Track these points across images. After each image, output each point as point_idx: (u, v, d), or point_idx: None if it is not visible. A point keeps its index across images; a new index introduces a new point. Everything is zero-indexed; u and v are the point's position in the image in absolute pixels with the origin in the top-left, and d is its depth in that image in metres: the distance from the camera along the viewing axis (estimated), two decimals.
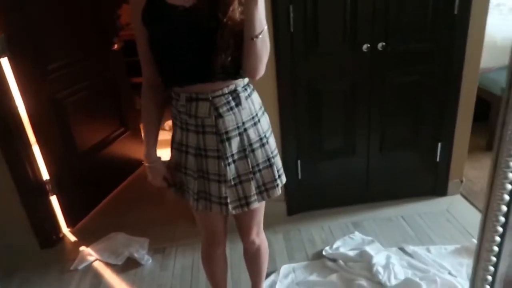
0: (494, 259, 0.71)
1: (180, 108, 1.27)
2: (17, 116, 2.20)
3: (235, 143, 1.27)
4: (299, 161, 2.33)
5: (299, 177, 2.36)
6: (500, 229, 0.68)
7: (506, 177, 0.64)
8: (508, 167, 0.63)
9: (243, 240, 1.56)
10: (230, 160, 1.28)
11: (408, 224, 2.29)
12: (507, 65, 2.63)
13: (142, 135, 1.36)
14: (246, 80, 1.29)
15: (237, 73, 1.22)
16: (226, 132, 1.25)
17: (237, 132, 1.27)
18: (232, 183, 1.30)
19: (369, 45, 2.11)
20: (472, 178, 2.62)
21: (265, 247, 1.63)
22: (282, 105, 2.19)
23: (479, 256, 0.73)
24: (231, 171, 1.29)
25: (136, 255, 2.25)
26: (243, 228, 1.51)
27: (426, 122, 2.32)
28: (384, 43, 2.11)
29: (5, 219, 2.33)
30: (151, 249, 2.31)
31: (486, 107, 2.91)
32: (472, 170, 2.69)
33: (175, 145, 1.35)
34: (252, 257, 1.64)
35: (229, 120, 1.25)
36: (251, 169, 1.30)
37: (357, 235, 2.21)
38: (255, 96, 1.33)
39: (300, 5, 2.00)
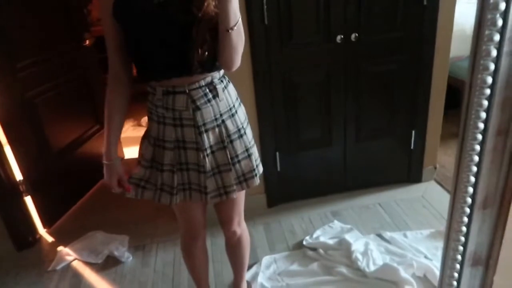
0: (462, 239, 0.74)
1: (156, 102, 1.25)
2: None
3: (213, 135, 1.28)
4: (277, 153, 2.35)
5: (278, 169, 2.38)
6: (468, 210, 0.71)
7: (472, 160, 0.67)
8: (473, 149, 0.66)
9: (224, 230, 1.57)
10: (208, 151, 1.28)
11: (385, 211, 2.34)
12: None
13: (104, 130, 1.33)
14: (222, 71, 1.29)
15: (214, 66, 1.21)
16: (204, 124, 1.25)
17: (215, 124, 1.27)
18: (211, 173, 1.31)
19: (342, 36, 2.13)
20: (446, 164, 2.70)
21: (247, 236, 1.65)
22: (258, 97, 2.20)
23: (449, 236, 0.76)
24: (210, 162, 1.29)
25: (116, 253, 2.22)
26: (224, 219, 1.52)
27: (400, 110, 2.37)
28: (357, 34, 2.14)
29: None
30: (131, 247, 2.30)
31: (458, 95, 2.99)
32: (446, 157, 2.77)
33: (151, 140, 1.33)
34: (233, 248, 1.65)
35: (207, 112, 1.24)
36: (230, 160, 1.31)
37: (336, 224, 2.25)
38: (231, 88, 1.33)
39: None
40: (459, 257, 0.76)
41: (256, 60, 2.10)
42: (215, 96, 1.25)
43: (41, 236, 2.48)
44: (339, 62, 2.20)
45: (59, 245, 2.36)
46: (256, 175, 1.37)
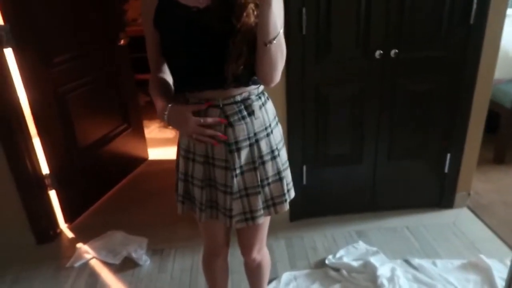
0: None
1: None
2: (19, 108, 2.15)
3: (244, 154, 1.20)
4: (304, 166, 2.29)
5: (304, 182, 2.32)
6: None
7: None
8: None
9: (243, 255, 1.50)
10: (238, 171, 1.21)
11: (413, 236, 2.24)
12: None
13: (155, 100, 1.21)
14: (261, 87, 1.23)
15: (250, 81, 1.16)
16: (236, 143, 1.18)
17: (248, 143, 1.20)
18: (238, 195, 1.23)
19: (381, 52, 2.06)
20: (480, 191, 2.58)
21: (267, 261, 1.57)
22: (289, 108, 2.15)
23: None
24: (238, 183, 1.22)
25: (134, 255, 2.20)
26: (244, 244, 1.45)
27: (436, 132, 2.27)
28: (397, 50, 2.06)
29: (2, 212, 2.28)
30: (149, 250, 2.27)
31: (495, 119, 2.86)
32: (479, 183, 2.64)
33: (182, 152, 1.28)
34: (252, 271, 1.58)
35: (240, 130, 1.17)
36: (259, 183, 1.23)
37: (361, 245, 2.16)
38: (270, 105, 1.26)
39: (313, 8, 1.96)
40: None
41: (291, 71, 2.05)
42: (251, 114, 1.18)
43: (61, 231, 2.48)
44: (375, 77, 2.13)
45: (78, 242, 2.35)
46: (286, 200, 1.29)
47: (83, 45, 2.49)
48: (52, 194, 2.43)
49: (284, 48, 1.08)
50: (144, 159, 3.22)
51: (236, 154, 1.19)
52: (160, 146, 3.43)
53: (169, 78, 1.24)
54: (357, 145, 2.27)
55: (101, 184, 2.79)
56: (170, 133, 3.65)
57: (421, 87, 2.17)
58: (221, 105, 1.16)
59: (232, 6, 1.05)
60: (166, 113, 1.15)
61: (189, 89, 1.19)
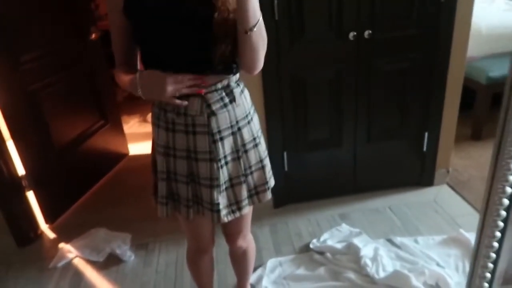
0: (493, 255, 0.67)
1: (166, 105, 1.16)
2: None
3: (228, 143, 1.18)
4: (285, 153, 2.28)
5: (286, 169, 2.32)
6: (501, 224, 0.64)
7: (509, 168, 0.60)
8: (511, 157, 0.59)
9: (229, 243, 1.49)
10: (222, 162, 1.18)
11: (395, 215, 2.27)
12: (492, 54, 2.61)
13: (125, 85, 1.15)
14: (238, 75, 1.21)
15: (234, 64, 1.14)
16: (219, 132, 1.15)
17: (230, 131, 1.17)
18: (224, 187, 1.21)
19: (355, 33, 2.05)
20: (458, 168, 2.62)
21: (252, 248, 1.57)
22: (266, 95, 2.13)
23: (478, 252, 0.69)
24: (223, 174, 1.19)
25: (118, 251, 2.17)
26: (229, 233, 1.44)
27: (413, 111, 2.29)
28: (370, 31, 2.06)
29: None
30: (133, 245, 2.24)
31: (470, 96, 2.90)
32: (458, 160, 2.68)
33: (160, 148, 1.21)
34: (238, 259, 1.58)
35: (223, 118, 1.15)
36: (243, 172, 1.22)
37: (345, 227, 2.18)
38: (247, 93, 1.25)
39: None
40: (488, 275, 0.69)
41: (265, 56, 2.02)
42: (232, 100, 1.16)
43: (42, 232, 2.44)
44: (351, 60, 2.13)
45: (60, 242, 2.31)
46: (268, 188, 1.29)
47: (52, 42, 2.42)
48: (31, 195, 2.38)
49: (265, 35, 1.06)
50: (124, 155, 3.18)
51: (220, 144, 1.16)
52: (140, 140, 3.39)
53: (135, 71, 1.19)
54: (336, 128, 2.28)
55: (82, 182, 2.74)
56: (150, 127, 3.60)
57: (396, 67, 2.18)
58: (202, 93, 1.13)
59: None
60: (137, 78, 1.08)
61: None
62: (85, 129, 2.75)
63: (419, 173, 2.46)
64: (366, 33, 2.06)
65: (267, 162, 1.29)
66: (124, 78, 1.15)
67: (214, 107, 1.14)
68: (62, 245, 2.28)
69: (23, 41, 2.23)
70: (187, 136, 1.16)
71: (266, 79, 2.09)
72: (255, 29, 1.00)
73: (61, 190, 2.55)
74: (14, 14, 2.16)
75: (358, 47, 2.09)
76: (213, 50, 1.05)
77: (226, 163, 1.19)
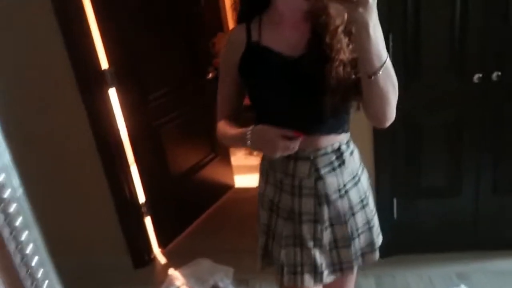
0: None
1: (276, 165, 1.15)
2: (120, 143, 2.36)
3: (334, 207, 1.13)
4: (394, 199, 2.14)
5: (395, 216, 2.17)
6: None
7: None
8: None
9: None
10: (327, 223, 1.14)
11: None
12: None
13: (232, 137, 1.16)
14: (349, 134, 1.17)
15: (345, 121, 1.11)
16: (326, 195, 1.12)
17: (338, 195, 1.13)
18: (327, 248, 1.17)
19: (481, 75, 1.87)
20: None
21: None
22: (376, 136, 2.04)
23: None
24: (327, 236, 1.15)
25: (220, 284, 2.24)
26: None
27: None
28: (499, 73, 1.86)
29: (104, 237, 2.49)
30: (235, 279, 2.29)
31: None
32: None
33: (267, 203, 1.20)
34: None
35: (331, 183, 1.11)
36: (350, 235, 1.16)
37: None
38: (357, 152, 1.19)
39: (400, 32, 1.86)
40: None
41: None
42: (341, 164, 1.12)
43: (155, 256, 2.63)
44: (474, 104, 1.94)
45: (170, 267, 2.46)
46: (376, 249, 1.21)
47: (175, 81, 2.67)
48: (147, 221, 2.60)
49: (394, 77, 0.94)
50: (230, 187, 3.31)
51: (325, 206, 1.12)
52: (246, 173, 3.50)
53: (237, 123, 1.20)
54: (455, 176, 2.07)
55: (191, 211, 2.92)
56: (255, 159, 3.71)
57: None
58: (311, 158, 1.10)
59: (325, 42, 0.99)
60: (249, 133, 1.06)
61: None
62: (198, 161, 2.94)
63: None
64: (495, 75, 1.86)
65: (375, 221, 1.22)
66: (230, 131, 1.15)
67: (322, 172, 1.11)
68: (171, 271, 2.43)
69: (151, 80, 2.50)
70: (292, 198, 1.14)
71: None
72: (380, 72, 0.88)
73: (174, 218, 2.74)
74: (146, 57, 2.43)
75: (484, 90, 1.90)
76: (324, 101, 1.01)
77: (332, 225, 1.15)
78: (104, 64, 2.22)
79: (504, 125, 1.96)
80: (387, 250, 2.20)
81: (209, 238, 2.73)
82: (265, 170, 1.21)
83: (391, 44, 1.86)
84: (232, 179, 3.34)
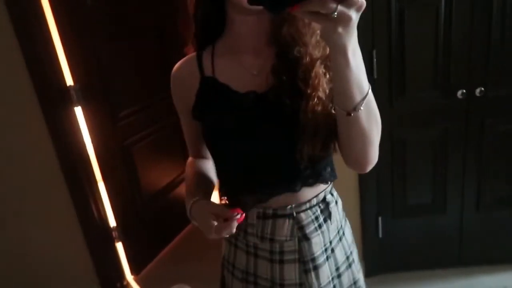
0: None
1: (247, 227, 0.92)
2: (88, 163, 2.18)
3: (323, 272, 0.93)
4: (380, 218, 2.09)
5: (380, 235, 2.11)
6: None
7: None
8: None
9: None
10: None
11: None
12: None
13: (186, 182, 1.00)
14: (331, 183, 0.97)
15: (326, 170, 0.90)
16: (313, 259, 0.91)
17: (325, 256, 0.93)
18: None
19: (464, 91, 1.85)
20: None
21: None
22: None
23: None
24: None
25: None
26: None
27: None
28: (482, 88, 1.84)
29: (71, 265, 2.31)
30: None
31: None
32: None
33: (237, 273, 0.99)
34: None
35: (317, 243, 0.91)
36: None
37: None
38: (340, 201, 1.00)
39: (384, 49, 1.81)
40: None
41: None
42: (327, 218, 0.92)
43: (128, 284, 2.46)
44: (458, 119, 1.91)
45: None
46: None
47: (147, 97, 2.51)
48: (119, 246, 2.42)
49: (377, 112, 0.75)
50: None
51: (313, 274, 0.92)
52: None
53: (209, 164, 1.03)
54: (440, 193, 2.04)
55: (166, 233, 2.76)
56: None
57: None
58: (294, 214, 0.89)
59: (297, 75, 0.80)
60: (189, 207, 0.88)
61: (248, 202, 0.90)
62: (171, 180, 2.78)
63: None
64: (478, 91, 1.84)
65: (360, 280, 1.03)
66: (186, 183, 0.98)
67: (307, 230, 0.90)
68: None
69: (122, 97, 2.33)
70: (271, 265, 0.93)
71: None
72: (362, 107, 0.70)
73: (146, 242, 2.58)
74: (114, 74, 2.27)
75: (468, 106, 1.87)
76: (299, 148, 0.81)
77: None
78: (69, 81, 2.05)
79: (484, 141, 1.94)
80: (372, 269, 2.17)
81: (186, 262, 2.58)
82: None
83: (375, 60, 1.82)
84: None
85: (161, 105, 2.65)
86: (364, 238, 2.12)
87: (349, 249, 1.00)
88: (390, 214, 2.09)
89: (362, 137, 0.76)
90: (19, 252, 2.30)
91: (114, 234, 2.37)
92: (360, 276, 1.03)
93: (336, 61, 0.66)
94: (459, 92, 1.85)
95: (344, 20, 0.59)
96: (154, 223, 2.61)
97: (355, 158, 0.82)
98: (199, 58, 0.91)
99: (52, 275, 2.33)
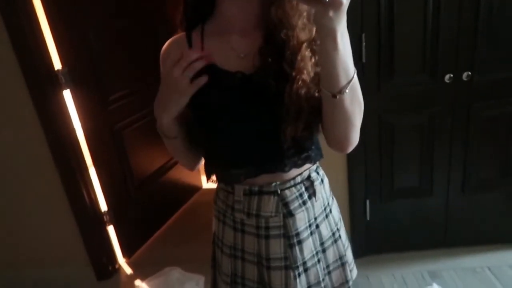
0: None
1: (234, 204, 0.97)
2: (78, 149, 2.18)
3: (307, 246, 0.96)
4: (367, 201, 2.12)
5: (368, 217, 2.15)
6: None
7: None
8: None
9: None
10: (301, 269, 0.97)
11: (496, 278, 1.99)
12: None
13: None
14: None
15: (310, 150, 0.92)
16: (297, 234, 0.95)
17: (309, 231, 0.96)
18: None
19: (452, 75, 1.87)
20: None
21: None
22: None
23: None
24: (301, 283, 0.97)
25: None
26: None
27: None
28: (470, 73, 1.86)
29: (64, 248, 2.34)
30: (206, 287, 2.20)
31: None
32: None
33: (225, 249, 1.02)
34: None
35: (301, 219, 0.94)
36: (320, 277, 0.99)
37: None
38: (327, 181, 1.03)
39: (374, 33, 1.82)
40: None
41: None
42: (312, 195, 0.96)
43: (120, 267, 2.49)
44: (446, 104, 1.94)
45: (136, 278, 2.34)
46: (350, 286, 1.05)
47: (136, 81, 2.50)
48: (110, 229, 2.44)
49: (361, 95, 0.80)
50: (198, 188, 3.20)
51: (297, 248, 0.95)
52: None
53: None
54: (426, 176, 2.08)
55: (157, 217, 2.78)
56: None
57: (498, 112, 1.95)
58: (278, 191, 0.93)
59: (283, 57, 0.81)
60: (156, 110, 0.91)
61: (235, 178, 0.94)
62: (163, 163, 2.80)
63: None
64: (465, 75, 1.86)
65: (348, 256, 1.05)
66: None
67: (291, 206, 0.93)
68: (138, 282, 2.30)
69: (112, 81, 2.32)
70: (258, 240, 0.96)
71: None
72: (347, 90, 0.74)
73: (138, 225, 2.60)
74: (104, 57, 2.25)
75: (455, 90, 1.90)
76: (283, 128, 0.83)
77: (305, 270, 0.97)
78: (58, 64, 2.03)
79: (470, 126, 1.97)
80: (360, 251, 2.22)
81: (177, 244, 2.61)
82: (222, 210, 1.02)
83: (364, 44, 1.82)
84: (200, 180, 3.23)
85: (152, 88, 2.63)
86: (352, 220, 2.16)
87: (336, 226, 1.02)
88: (378, 197, 2.12)
89: (345, 119, 0.80)
90: (11, 236, 2.32)
91: (106, 217, 2.39)
92: (347, 253, 1.06)
93: (324, 44, 0.69)
94: (447, 76, 1.87)
95: (336, 4, 0.62)
96: (145, 206, 2.63)
97: (337, 139, 0.85)
98: (188, 38, 0.92)
99: (44, 258, 2.36)
